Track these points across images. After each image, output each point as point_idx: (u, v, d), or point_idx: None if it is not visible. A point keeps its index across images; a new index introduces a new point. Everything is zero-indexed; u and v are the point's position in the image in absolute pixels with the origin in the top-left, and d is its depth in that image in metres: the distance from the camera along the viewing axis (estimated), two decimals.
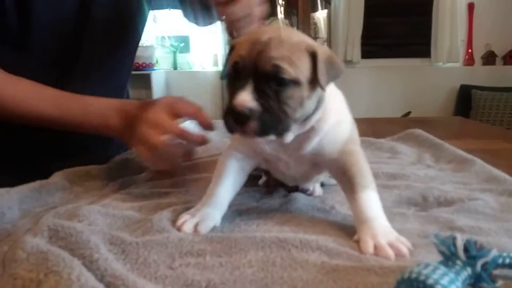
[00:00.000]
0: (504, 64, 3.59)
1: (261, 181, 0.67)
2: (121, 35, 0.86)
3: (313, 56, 0.46)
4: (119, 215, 0.52)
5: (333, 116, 0.51)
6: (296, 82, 0.45)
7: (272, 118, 0.45)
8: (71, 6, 0.75)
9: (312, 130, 0.50)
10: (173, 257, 0.40)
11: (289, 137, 0.48)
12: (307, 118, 0.49)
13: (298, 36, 0.48)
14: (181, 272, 0.38)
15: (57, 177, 0.67)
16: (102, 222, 0.50)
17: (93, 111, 0.69)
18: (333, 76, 0.49)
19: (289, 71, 0.45)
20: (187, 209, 0.53)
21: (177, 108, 0.66)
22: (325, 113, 0.51)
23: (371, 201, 0.48)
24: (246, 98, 0.44)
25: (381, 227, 0.45)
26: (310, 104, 0.48)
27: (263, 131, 0.45)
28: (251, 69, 0.45)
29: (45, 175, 0.67)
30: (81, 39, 0.78)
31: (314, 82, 0.47)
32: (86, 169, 0.73)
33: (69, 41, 0.77)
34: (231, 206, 0.56)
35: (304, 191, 0.63)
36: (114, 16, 0.81)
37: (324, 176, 0.62)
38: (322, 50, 0.48)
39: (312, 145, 0.51)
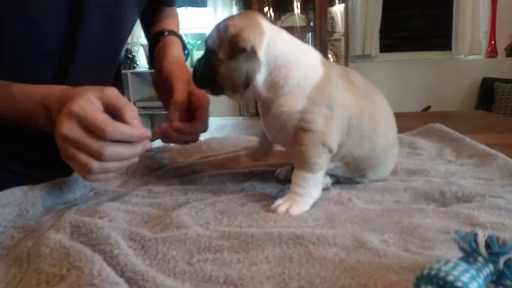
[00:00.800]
0: None
1: (277, 173, 0.68)
2: (109, 49, 0.78)
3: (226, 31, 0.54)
4: (138, 211, 0.53)
5: (286, 88, 0.55)
6: (211, 52, 0.55)
7: (202, 77, 0.58)
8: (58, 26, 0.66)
9: (267, 98, 0.56)
10: (191, 253, 0.41)
11: (237, 98, 0.58)
12: (246, 85, 0.55)
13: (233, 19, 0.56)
14: (199, 268, 0.38)
15: (77, 175, 0.68)
16: (122, 218, 0.51)
17: (19, 106, 0.57)
18: (233, 48, 0.53)
19: (208, 43, 0.56)
20: (205, 205, 0.54)
21: (107, 97, 0.52)
22: (275, 83, 0.55)
23: (298, 178, 0.55)
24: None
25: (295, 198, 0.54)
26: (231, 72, 0.54)
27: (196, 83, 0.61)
28: None
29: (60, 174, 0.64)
30: (68, 63, 0.69)
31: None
32: None
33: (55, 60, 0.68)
34: (247, 202, 0.56)
35: None
36: (103, 38, 0.73)
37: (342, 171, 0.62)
38: (237, 25, 0.53)
39: (272, 114, 0.56)
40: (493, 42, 3.51)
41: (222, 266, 0.39)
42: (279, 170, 0.68)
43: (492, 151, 0.75)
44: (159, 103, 3.64)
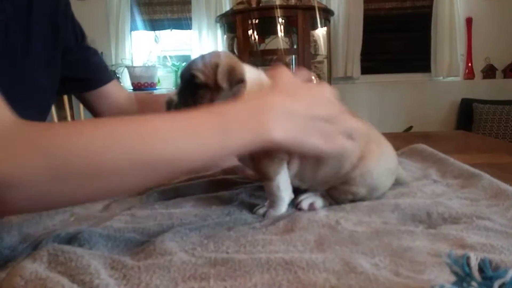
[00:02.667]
0: (505, 77, 3.60)
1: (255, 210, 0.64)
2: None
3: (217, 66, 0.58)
4: (121, 238, 0.51)
5: None
6: (204, 86, 0.59)
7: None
8: None
9: None
10: (176, 281, 0.39)
11: None
12: None
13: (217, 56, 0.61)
14: None
15: None
16: (103, 245, 0.49)
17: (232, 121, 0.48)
18: (233, 79, 0.58)
19: (200, 77, 0.58)
20: (190, 230, 0.52)
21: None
22: None
23: (265, 187, 0.61)
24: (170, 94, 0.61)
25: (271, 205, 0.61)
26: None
27: None
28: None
29: None
30: None
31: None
32: None
33: None
34: (234, 226, 0.55)
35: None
36: None
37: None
38: (225, 62, 0.59)
39: None
40: (470, 64, 3.62)
41: None
42: (257, 207, 0.64)
43: (477, 171, 0.76)
44: None
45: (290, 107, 0.51)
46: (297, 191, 0.65)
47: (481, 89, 3.58)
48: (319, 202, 0.63)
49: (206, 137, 0.46)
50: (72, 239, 0.49)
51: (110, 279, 0.39)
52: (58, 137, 0.40)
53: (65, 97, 1.36)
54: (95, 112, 0.89)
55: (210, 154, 0.47)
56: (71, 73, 0.80)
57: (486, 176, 0.73)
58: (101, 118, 0.51)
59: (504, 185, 0.67)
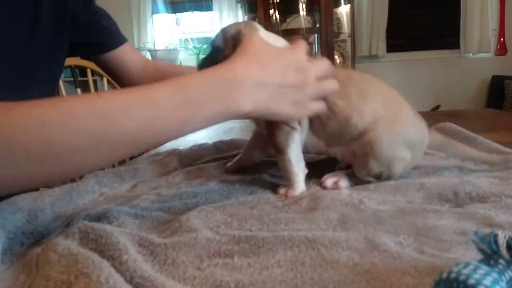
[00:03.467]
0: None
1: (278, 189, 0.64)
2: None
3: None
4: (148, 216, 0.53)
5: None
6: (220, 50, 0.62)
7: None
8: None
9: None
10: (201, 258, 0.40)
11: None
12: None
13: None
14: (209, 273, 0.37)
15: (87, 180, 0.68)
16: (131, 223, 0.50)
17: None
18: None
19: (216, 42, 0.63)
20: (214, 208, 0.53)
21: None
22: None
23: (279, 164, 0.63)
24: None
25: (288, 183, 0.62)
26: None
27: None
28: None
29: None
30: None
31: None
32: (115, 171, 0.74)
33: None
34: (257, 205, 0.55)
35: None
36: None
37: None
38: (240, 28, 0.61)
39: None
40: (502, 39, 3.47)
41: (233, 271, 0.38)
42: (279, 187, 0.64)
43: (507, 149, 0.73)
44: None
45: (259, 77, 0.50)
46: (323, 171, 0.65)
47: None
48: (343, 181, 0.63)
49: (168, 110, 0.44)
50: (101, 217, 0.51)
51: (138, 255, 0.40)
52: (17, 117, 0.38)
53: (91, 81, 1.39)
54: (112, 76, 0.90)
55: (173, 127, 0.46)
56: (80, 37, 0.79)
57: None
58: (63, 97, 0.47)
59: None
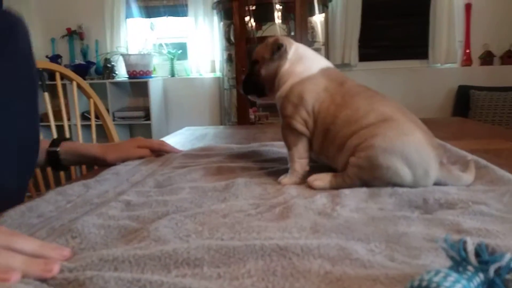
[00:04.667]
0: (502, 64, 3.58)
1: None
2: None
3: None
4: (114, 225, 0.51)
5: (286, 78, 0.71)
6: (255, 61, 0.76)
7: (249, 84, 0.78)
8: None
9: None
10: (169, 268, 0.39)
11: (271, 97, 0.75)
12: (272, 86, 0.74)
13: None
14: (179, 281, 0.36)
15: (49, 194, 0.65)
16: (95, 235, 0.48)
17: None
18: (274, 47, 0.73)
19: (253, 56, 0.76)
20: (185, 217, 0.52)
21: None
22: (280, 84, 0.72)
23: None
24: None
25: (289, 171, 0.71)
26: (268, 71, 0.74)
27: (245, 91, 0.80)
28: None
29: None
30: None
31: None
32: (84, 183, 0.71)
33: None
34: (229, 213, 0.54)
35: None
36: None
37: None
38: (271, 38, 0.74)
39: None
40: (467, 51, 3.60)
41: (202, 281, 0.36)
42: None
43: (474, 157, 0.75)
44: (138, 113, 3.61)
45: None
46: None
47: (479, 76, 3.57)
48: (323, 180, 0.66)
49: None
50: (65, 231, 0.49)
51: (101, 272, 0.38)
52: None
53: (59, 85, 1.35)
54: None
55: None
56: None
57: (483, 162, 0.72)
58: None
59: (500, 171, 0.67)
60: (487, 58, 3.58)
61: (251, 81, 0.76)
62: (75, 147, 0.94)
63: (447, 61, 3.56)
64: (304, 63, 0.72)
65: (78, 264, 0.39)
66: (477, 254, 0.31)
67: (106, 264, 0.40)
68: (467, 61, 3.61)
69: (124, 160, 0.90)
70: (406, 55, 3.76)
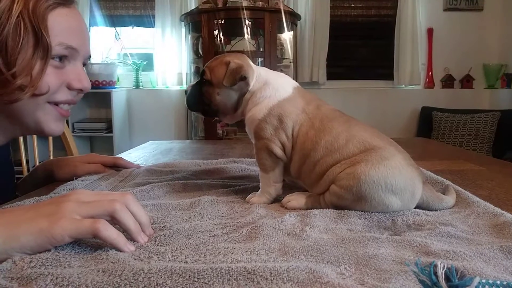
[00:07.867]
0: (462, 87, 3.76)
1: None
2: None
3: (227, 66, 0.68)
4: (72, 244, 0.47)
5: (259, 99, 0.69)
6: (209, 82, 0.70)
7: (197, 103, 0.74)
8: None
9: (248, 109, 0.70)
10: None
11: (227, 119, 0.74)
12: (236, 108, 0.72)
13: (230, 56, 0.71)
14: None
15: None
16: (46, 253, 0.44)
17: None
18: (236, 77, 0.68)
19: (207, 74, 0.70)
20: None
21: None
22: (248, 107, 0.70)
23: (259, 176, 0.70)
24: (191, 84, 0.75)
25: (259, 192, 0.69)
26: (226, 99, 0.70)
27: (190, 107, 0.75)
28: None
29: None
30: None
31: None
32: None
33: None
34: (193, 233, 0.52)
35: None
36: None
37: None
38: (234, 62, 0.68)
39: (246, 119, 0.71)
40: (430, 73, 3.76)
41: None
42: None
43: (439, 178, 0.77)
44: (99, 125, 3.48)
45: None
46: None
47: (440, 98, 3.72)
48: (298, 202, 0.65)
49: None
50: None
51: None
52: None
53: None
54: None
55: None
56: None
57: (448, 182, 0.74)
58: None
59: (465, 193, 0.69)
60: (448, 81, 3.74)
61: (202, 101, 0.72)
62: (43, 166, 0.93)
63: (411, 83, 3.69)
64: (270, 85, 0.70)
65: None
66: (447, 278, 0.30)
67: None
68: (429, 83, 3.76)
69: (72, 176, 0.85)
70: (373, 75, 3.87)
